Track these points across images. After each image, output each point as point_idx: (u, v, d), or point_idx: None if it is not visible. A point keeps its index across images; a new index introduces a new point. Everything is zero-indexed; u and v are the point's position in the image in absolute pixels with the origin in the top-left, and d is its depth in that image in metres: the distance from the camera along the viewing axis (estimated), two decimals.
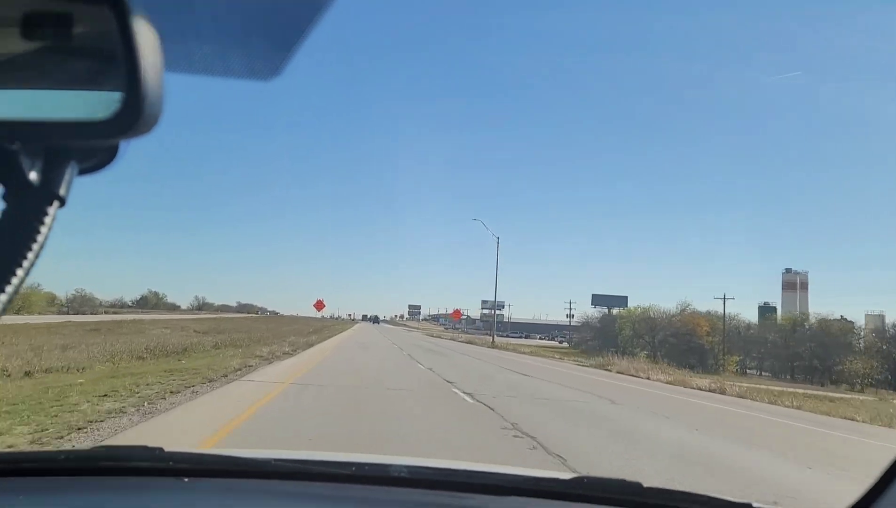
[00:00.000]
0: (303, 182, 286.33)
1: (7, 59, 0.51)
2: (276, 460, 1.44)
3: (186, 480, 1.34)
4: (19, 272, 0.48)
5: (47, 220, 0.50)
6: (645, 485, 1.32)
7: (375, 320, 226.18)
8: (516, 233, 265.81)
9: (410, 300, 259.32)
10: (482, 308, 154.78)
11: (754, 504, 1.28)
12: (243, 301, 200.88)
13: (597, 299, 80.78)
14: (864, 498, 1.22)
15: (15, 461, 1.44)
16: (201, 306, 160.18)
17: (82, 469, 1.37)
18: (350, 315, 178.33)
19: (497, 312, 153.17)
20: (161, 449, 1.38)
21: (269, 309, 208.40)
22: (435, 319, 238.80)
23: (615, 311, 70.73)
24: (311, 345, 27.21)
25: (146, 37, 0.49)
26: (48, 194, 0.51)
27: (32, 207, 0.50)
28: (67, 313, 68.88)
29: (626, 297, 78.26)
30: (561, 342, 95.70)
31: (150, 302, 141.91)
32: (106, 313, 78.08)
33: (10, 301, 0.48)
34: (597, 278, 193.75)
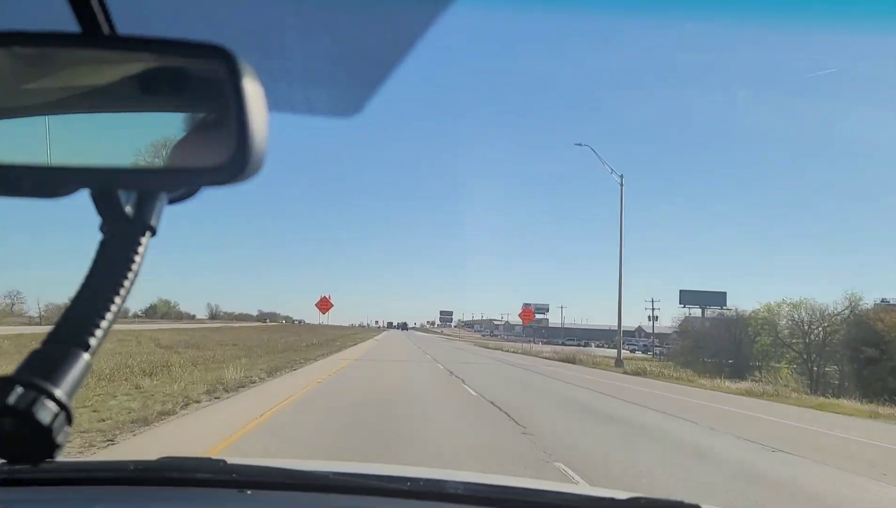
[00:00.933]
0: (331, 192, 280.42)
1: (124, 112, 0.56)
2: (334, 473, 1.48)
3: (249, 493, 1.38)
4: (117, 300, 0.50)
5: (140, 249, 0.52)
6: (704, 506, 1.30)
7: (404, 327, 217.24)
8: (554, 230, 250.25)
9: (441, 306, 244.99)
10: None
11: None
12: (266, 310, 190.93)
13: (686, 297, 63.66)
14: None
15: (89, 469, 1.53)
16: (214, 315, 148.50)
17: (149, 479, 1.42)
18: (376, 323, 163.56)
19: (542, 316, 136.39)
20: (224, 461, 1.44)
21: (296, 318, 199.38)
22: (469, 325, 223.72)
23: (717, 310, 53.60)
24: (240, 387, 12.00)
25: (253, 92, 0.51)
26: (141, 225, 0.53)
27: (127, 237, 0.52)
28: (40, 324, 59.78)
29: (725, 293, 61.03)
30: (633, 352, 78.56)
31: (159, 311, 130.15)
32: None
33: (110, 327, 0.49)
34: (654, 275, 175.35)
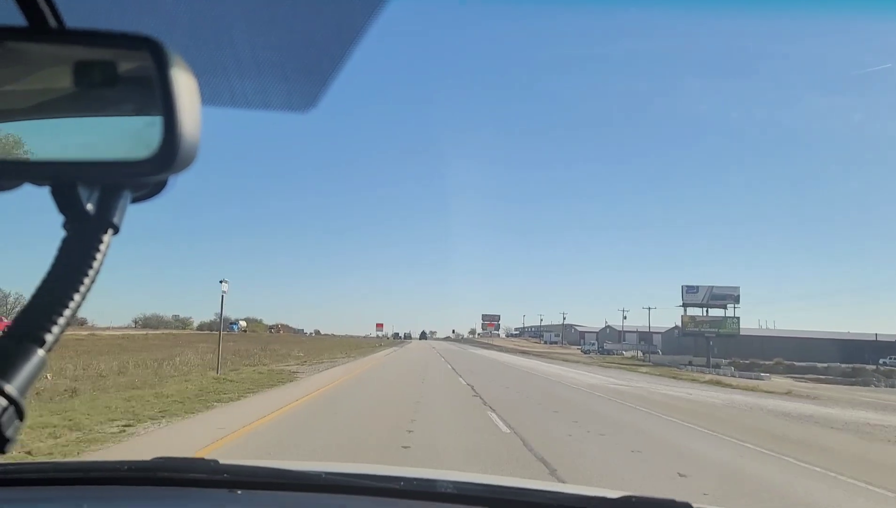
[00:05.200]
0: (347, 199, 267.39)
1: (53, 104, 0.56)
2: (326, 473, 1.47)
3: (240, 492, 1.38)
4: (76, 297, 0.50)
5: (102, 247, 0.52)
6: (695, 505, 1.33)
7: (423, 336, 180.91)
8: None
9: (485, 310, 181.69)
10: (684, 303, 71.78)
11: None
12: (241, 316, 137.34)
13: None
14: None
15: (84, 469, 1.55)
16: (146, 323, 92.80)
17: (143, 479, 1.44)
18: (378, 329, 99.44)
19: (720, 312, 68.37)
20: (216, 462, 1.46)
21: (306, 330, 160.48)
22: (536, 334, 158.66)
23: None
24: None
25: (184, 83, 0.51)
26: (103, 223, 0.53)
27: (89, 235, 0.52)
28: None
29: None
30: None
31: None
32: None
33: (67, 324, 0.49)
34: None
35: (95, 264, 0.51)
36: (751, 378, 41.80)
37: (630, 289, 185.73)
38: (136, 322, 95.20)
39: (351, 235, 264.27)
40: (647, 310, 75.16)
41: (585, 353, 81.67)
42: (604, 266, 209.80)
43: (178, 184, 0.56)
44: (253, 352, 30.99)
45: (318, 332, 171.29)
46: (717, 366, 57.33)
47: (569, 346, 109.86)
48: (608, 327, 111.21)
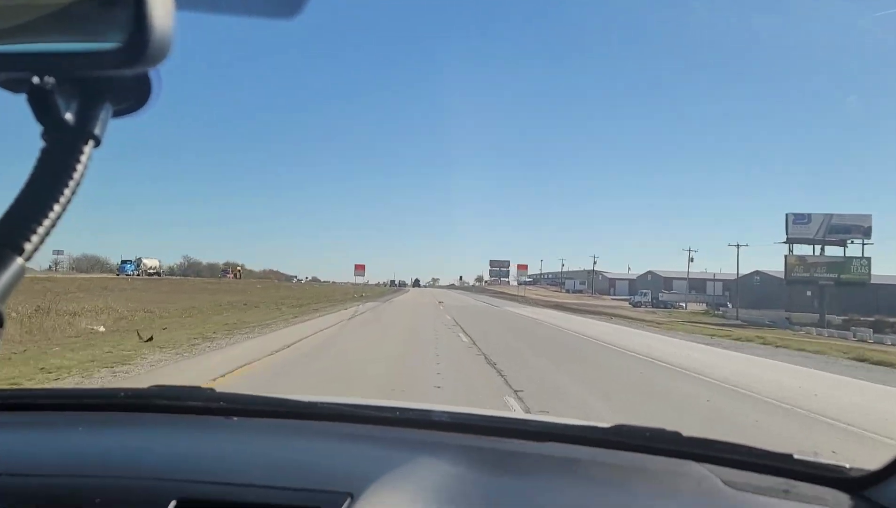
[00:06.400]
0: (344, 141, 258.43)
1: None
2: (322, 403, 1.51)
3: (236, 419, 1.41)
4: (56, 208, 0.49)
5: (83, 158, 0.51)
6: (685, 434, 1.32)
7: (416, 284, 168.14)
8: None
9: (492, 256, 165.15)
10: (789, 239, 53.00)
11: (795, 455, 1.27)
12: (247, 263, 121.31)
13: None
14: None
15: (80, 396, 1.60)
16: (77, 266, 76.37)
17: (139, 406, 1.48)
18: (357, 270, 78.62)
19: (832, 251, 48.72)
20: (213, 390, 1.52)
21: (297, 276, 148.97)
22: (554, 282, 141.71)
23: None
24: None
25: None
26: (83, 133, 0.51)
27: (68, 145, 0.50)
28: None
29: None
30: None
31: None
32: None
33: (47, 233, 0.48)
34: None
35: (76, 176, 0.50)
36: None
37: (667, 232, 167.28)
38: (55, 264, 77.80)
39: (352, 179, 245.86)
40: (736, 247, 56.24)
41: (635, 306, 64.33)
42: (631, 205, 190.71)
43: (156, 105, 0.54)
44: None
45: (315, 279, 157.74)
46: (845, 327, 39.32)
47: (600, 296, 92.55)
48: (650, 272, 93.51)
